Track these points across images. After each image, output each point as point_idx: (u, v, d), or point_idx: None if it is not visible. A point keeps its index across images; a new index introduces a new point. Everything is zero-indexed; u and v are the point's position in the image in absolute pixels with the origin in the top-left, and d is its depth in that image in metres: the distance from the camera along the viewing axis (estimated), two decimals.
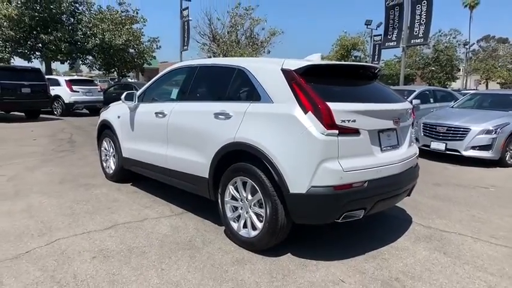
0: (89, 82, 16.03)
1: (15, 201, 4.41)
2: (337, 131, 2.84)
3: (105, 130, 5.44)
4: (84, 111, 16.05)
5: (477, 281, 2.89)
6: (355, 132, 2.95)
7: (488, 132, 7.24)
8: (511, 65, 51.64)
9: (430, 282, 2.84)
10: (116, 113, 5.17)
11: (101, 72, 32.28)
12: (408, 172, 3.48)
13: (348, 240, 3.59)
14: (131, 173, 5.22)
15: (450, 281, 2.87)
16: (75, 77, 16.52)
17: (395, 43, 15.89)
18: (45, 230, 3.58)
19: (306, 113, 2.88)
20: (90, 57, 22.46)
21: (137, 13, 22.93)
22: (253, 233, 3.20)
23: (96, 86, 16.48)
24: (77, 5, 21.34)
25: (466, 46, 43.93)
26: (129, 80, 34.10)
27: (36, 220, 3.82)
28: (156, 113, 4.28)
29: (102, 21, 20.60)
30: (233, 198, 3.41)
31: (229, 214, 3.45)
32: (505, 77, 49.35)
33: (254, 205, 3.20)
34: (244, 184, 3.27)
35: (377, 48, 32.92)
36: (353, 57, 35.54)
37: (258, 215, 3.20)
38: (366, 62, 34.87)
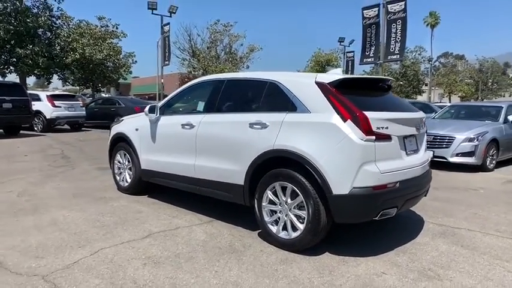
0: (70, 97, 15.72)
1: (37, 216, 4.38)
2: (374, 137, 3.14)
3: (120, 143, 5.50)
4: (66, 126, 15.69)
5: (497, 267, 3.23)
6: (388, 138, 3.28)
7: (470, 140, 7.85)
8: (469, 79, 55.22)
9: (458, 270, 3.15)
10: (132, 125, 5.26)
11: (68, 88, 31.55)
12: (426, 174, 3.84)
13: (373, 239, 3.88)
14: (147, 185, 5.32)
15: (475, 269, 3.19)
16: (57, 92, 16.13)
17: (372, 59, 16.78)
18: (82, 241, 3.62)
19: (345, 121, 3.17)
20: (68, 72, 22.01)
21: (117, 28, 22.83)
22: (294, 234, 3.42)
23: (78, 101, 16.19)
24: (54, 19, 20.98)
25: (430, 62, 46.58)
26: (103, 95, 33.56)
27: (69, 233, 3.84)
28: (182, 124, 4.44)
29: (81, 36, 20.35)
30: (271, 202, 3.61)
31: (266, 218, 3.64)
32: (465, 91, 52.62)
33: (294, 208, 3.42)
34: (284, 189, 3.49)
35: (350, 64, 34.31)
36: None
37: (297, 217, 3.42)
38: None
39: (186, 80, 29.44)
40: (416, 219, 4.53)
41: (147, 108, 4.82)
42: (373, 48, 16.58)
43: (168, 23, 21.65)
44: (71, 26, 20.96)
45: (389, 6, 15.62)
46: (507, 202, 5.50)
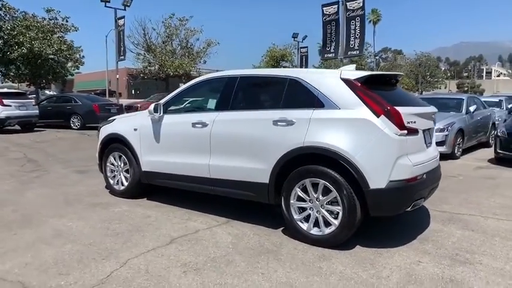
0: (21, 95, 14.37)
1: (35, 227, 3.99)
2: (406, 131, 3.25)
3: (113, 144, 5.16)
4: (16, 127, 14.39)
5: None
6: (416, 131, 3.41)
7: (441, 130, 8.40)
8: (410, 73, 58.97)
9: (482, 254, 3.38)
10: (129, 125, 4.96)
11: (7, 85, 28.98)
12: (439, 166, 4.05)
13: (391, 229, 4.03)
14: (145, 188, 5.07)
15: (495, 251, 3.44)
16: (6, 90, 14.65)
17: (333, 54, 17.27)
18: (103, 252, 3.35)
19: (378, 116, 3.24)
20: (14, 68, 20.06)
21: (67, 21, 21.20)
22: (328, 230, 3.44)
23: (31, 99, 14.88)
24: None
25: (376, 57, 49.13)
26: (47, 92, 31.23)
27: (83, 244, 3.54)
28: (193, 123, 4.26)
29: (28, 29, 18.62)
30: (299, 199, 3.60)
31: (295, 216, 3.63)
32: (407, 84, 56.15)
33: (327, 204, 3.44)
34: (314, 185, 3.49)
35: (304, 59, 35.08)
36: (282, 67, 37.29)
37: (330, 213, 3.45)
38: None
39: (141, 75, 28.33)
40: (420, 207, 4.77)
41: (151, 107, 4.55)
42: (333, 44, 17.06)
43: (123, 17, 20.59)
44: (15, 17, 19.07)
45: (348, 3, 16.15)
46: (487, 187, 5.98)
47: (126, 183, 5.09)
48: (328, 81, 3.59)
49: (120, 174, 5.17)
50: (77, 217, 4.33)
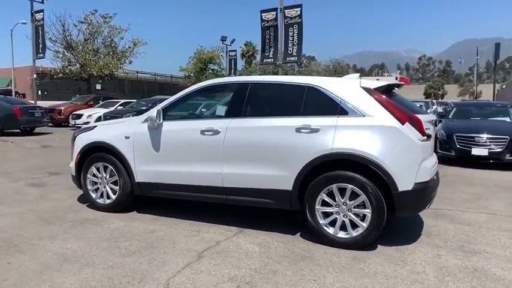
0: None
1: (30, 253, 3.44)
2: (426, 137, 3.57)
3: (96, 154, 4.68)
4: None
5: (502, 237, 4.01)
6: (430, 137, 3.75)
7: None
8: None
9: (480, 243, 3.84)
10: (119, 133, 4.55)
11: None
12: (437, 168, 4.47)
13: (396, 229, 4.33)
14: (133, 201, 4.71)
15: (489, 240, 3.93)
16: None
17: (272, 60, 17.83)
18: (135, 275, 3.04)
19: (403, 124, 3.50)
20: None
21: None
22: (355, 233, 3.59)
23: None
24: None
25: (296, 63, 51.56)
26: None
27: (104, 268, 3.15)
28: (202, 130, 4.09)
29: None
30: (324, 204, 3.69)
31: (321, 221, 3.71)
32: None
33: (354, 207, 3.59)
34: (341, 190, 3.62)
35: (232, 62, 35.47)
36: (210, 70, 37.09)
37: (356, 216, 3.60)
38: (223, 75, 36.94)
39: (60, 75, 25.58)
40: None
41: (153, 113, 4.23)
42: (272, 49, 17.62)
43: (42, 10, 18.52)
44: None
45: (286, 11, 16.86)
46: (445, 183, 6.73)
47: (113, 196, 4.65)
48: (350, 89, 3.76)
49: (105, 187, 4.70)
50: (72, 237, 3.85)
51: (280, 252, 3.55)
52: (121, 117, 8.93)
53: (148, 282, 2.92)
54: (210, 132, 4.07)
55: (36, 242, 3.72)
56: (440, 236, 4.06)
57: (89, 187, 4.80)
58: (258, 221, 4.33)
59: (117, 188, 4.63)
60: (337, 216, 3.67)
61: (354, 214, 3.61)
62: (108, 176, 4.67)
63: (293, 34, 16.84)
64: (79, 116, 16.85)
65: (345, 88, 3.78)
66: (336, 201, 3.65)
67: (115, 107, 17.67)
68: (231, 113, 4.17)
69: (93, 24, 24.69)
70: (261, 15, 17.80)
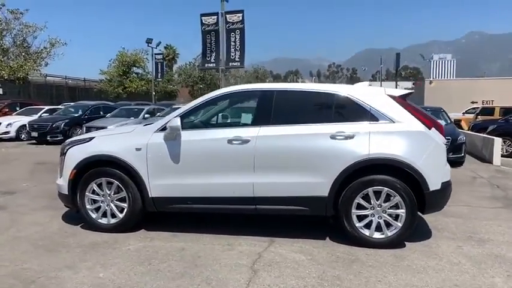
0: None
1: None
2: (446, 140, 3.94)
3: (98, 169, 4.19)
4: None
5: (494, 226, 4.59)
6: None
7: None
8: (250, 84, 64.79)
9: (481, 233, 4.35)
10: (127, 144, 4.13)
11: None
12: None
13: None
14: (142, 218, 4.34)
15: (487, 229, 4.46)
16: None
17: (214, 65, 17.65)
18: None
19: (430, 129, 3.82)
20: None
21: None
22: (390, 233, 3.80)
23: None
24: None
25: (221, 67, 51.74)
26: None
27: None
28: (229, 140, 3.94)
29: None
30: (360, 208, 3.84)
31: (357, 224, 3.84)
32: None
33: (389, 208, 3.80)
34: (376, 193, 3.80)
35: (159, 66, 34.27)
36: (134, 74, 35.27)
37: (390, 216, 3.82)
38: (148, 79, 35.37)
39: None
40: None
41: (176, 122, 3.93)
42: (213, 54, 17.44)
43: None
44: None
45: (227, 16, 16.85)
46: None
47: (120, 215, 4.20)
48: (377, 97, 3.97)
49: (109, 205, 4.22)
50: (96, 265, 3.40)
51: (327, 258, 3.59)
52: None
53: None
54: (238, 141, 3.94)
55: (55, 274, 3.20)
56: (446, 229, 4.48)
57: (88, 206, 4.26)
58: (282, 230, 4.30)
59: (124, 205, 4.19)
60: (372, 218, 3.84)
61: (388, 215, 3.82)
62: (112, 193, 4.21)
63: (235, 39, 16.90)
64: None
65: (373, 96, 3.99)
66: (371, 204, 3.82)
67: (39, 114, 15.77)
68: (258, 121, 4.08)
69: (0, 20, 21.71)
70: (201, 19, 17.51)
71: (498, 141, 9.59)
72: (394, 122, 3.85)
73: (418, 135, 3.81)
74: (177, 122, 3.95)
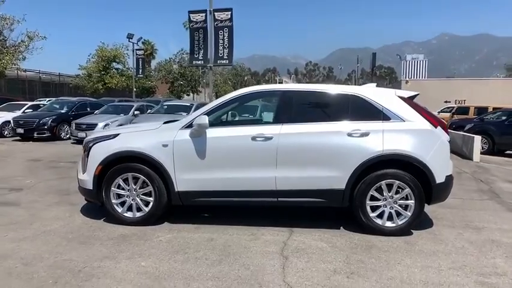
0: None
1: (111, 278, 3.14)
2: (449, 138, 4.36)
3: (124, 164, 4.36)
4: None
5: (485, 215, 5.09)
6: None
7: None
8: (231, 81, 64.97)
9: (475, 221, 4.81)
10: (154, 141, 4.32)
11: None
12: None
13: None
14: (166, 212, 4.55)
15: (479, 218, 4.93)
16: None
17: (202, 62, 17.70)
18: (246, 281, 3.08)
19: (435, 127, 4.22)
20: None
21: None
22: (401, 221, 4.18)
23: None
24: None
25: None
26: None
27: (206, 279, 3.11)
28: (253, 137, 4.20)
29: None
30: (373, 199, 4.19)
31: (372, 214, 4.20)
32: (229, 90, 61.65)
33: (400, 199, 4.17)
34: (388, 185, 4.16)
35: (140, 61, 33.80)
36: (114, 70, 34.65)
37: (401, 206, 4.19)
38: (129, 74, 34.81)
39: None
40: None
41: (204, 120, 4.15)
42: (201, 51, 17.49)
43: None
44: None
45: (216, 14, 16.92)
46: None
47: (146, 209, 4.39)
48: (389, 98, 4.33)
49: (134, 199, 4.40)
50: (134, 255, 3.59)
51: (347, 245, 3.92)
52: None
53: (269, 286, 3.01)
54: (262, 138, 4.20)
55: (98, 264, 3.38)
56: (445, 219, 4.92)
57: (113, 201, 4.42)
58: (299, 221, 4.59)
59: (150, 199, 4.37)
60: (384, 208, 4.21)
61: (399, 205, 4.19)
62: (138, 187, 4.39)
63: (223, 37, 16.99)
64: None
65: (385, 97, 4.35)
66: (383, 196, 4.18)
67: (22, 110, 15.41)
68: (279, 119, 4.35)
69: None
70: (189, 16, 17.50)
71: (478, 139, 10.28)
72: (404, 121, 4.23)
73: (426, 133, 4.20)
74: (205, 119, 4.17)
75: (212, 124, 4.35)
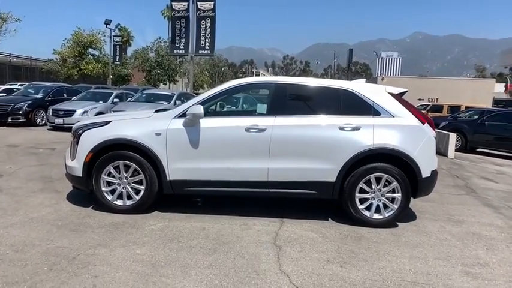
0: None
1: (106, 266, 3.11)
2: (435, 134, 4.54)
3: (116, 152, 4.29)
4: None
5: (465, 210, 5.35)
6: None
7: None
8: (208, 72, 64.40)
9: (456, 215, 5.04)
10: (147, 129, 4.27)
11: None
12: None
13: None
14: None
15: (460, 212, 5.17)
16: None
17: (183, 51, 17.47)
18: (243, 269, 3.13)
19: (423, 124, 4.38)
20: None
21: None
22: (387, 214, 4.34)
23: None
24: None
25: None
26: None
27: (203, 267, 3.14)
28: (246, 128, 4.23)
29: None
30: (362, 191, 4.32)
31: (360, 206, 4.33)
32: (206, 81, 61.10)
33: (387, 193, 4.32)
34: (377, 179, 4.30)
35: (118, 48, 32.96)
36: (90, 56, 33.57)
37: (388, 199, 4.35)
38: (105, 61, 33.81)
39: None
40: None
41: (199, 110, 4.12)
42: (183, 40, 17.27)
43: None
44: None
45: (199, 3, 16.73)
46: None
47: (137, 197, 4.35)
48: (379, 94, 4.45)
49: (125, 187, 4.35)
50: (128, 243, 3.56)
51: (336, 236, 4.04)
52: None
53: (266, 274, 3.07)
54: (255, 130, 4.24)
55: (92, 251, 3.33)
56: (427, 212, 5.13)
57: (103, 188, 4.35)
58: (289, 212, 4.68)
59: (141, 187, 4.33)
60: (372, 201, 4.35)
61: (386, 198, 4.35)
62: (129, 175, 4.33)
63: (205, 27, 16.81)
64: None
65: (375, 92, 4.46)
66: (372, 189, 4.32)
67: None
68: (273, 111, 4.39)
69: None
70: (172, 5, 17.16)
71: (453, 137, 10.71)
72: (394, 117, 4.36)
73: (414, 129, 4.36)
74: (201, 109, 4.16)
75: (206, 114, 4.35)
